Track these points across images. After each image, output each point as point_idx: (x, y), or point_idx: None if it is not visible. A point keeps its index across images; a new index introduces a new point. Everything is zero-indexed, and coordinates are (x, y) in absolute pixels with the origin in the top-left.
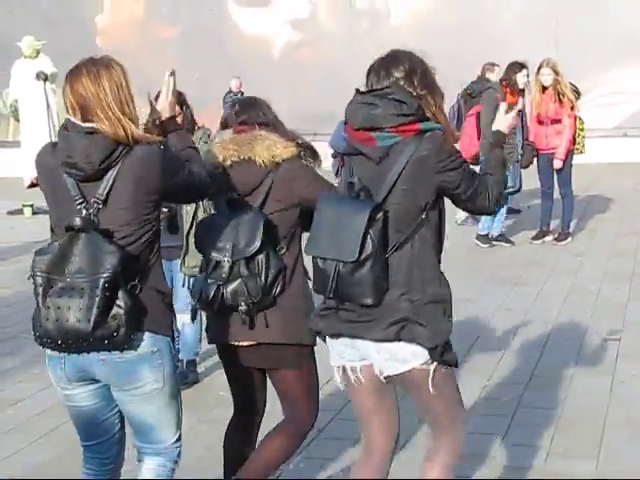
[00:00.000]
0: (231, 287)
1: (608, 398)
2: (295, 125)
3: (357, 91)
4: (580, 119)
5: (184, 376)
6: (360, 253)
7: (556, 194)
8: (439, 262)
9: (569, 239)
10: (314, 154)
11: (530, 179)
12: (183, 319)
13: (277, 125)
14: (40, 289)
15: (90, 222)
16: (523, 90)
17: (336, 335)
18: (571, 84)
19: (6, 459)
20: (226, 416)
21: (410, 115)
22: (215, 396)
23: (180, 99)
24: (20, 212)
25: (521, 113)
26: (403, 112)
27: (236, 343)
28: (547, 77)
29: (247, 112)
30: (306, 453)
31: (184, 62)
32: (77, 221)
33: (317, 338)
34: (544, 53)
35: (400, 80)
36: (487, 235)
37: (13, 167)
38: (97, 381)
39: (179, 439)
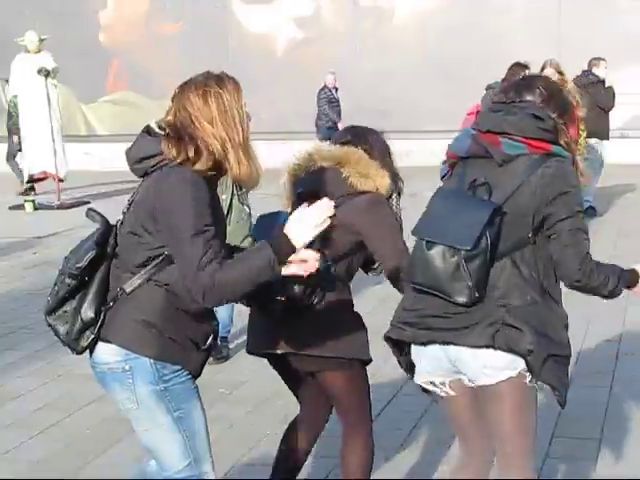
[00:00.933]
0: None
1: (608, 399)
2: (297, 123)
3: (493, 102)
4: (582, 120)
5: (218, 351)
6: (475, 245)
7: None
8: (546, 292)
9: None
10: (399, 194)
11: None
12: None
13: (382, 156)
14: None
15: (99, 217)
16: None
17: (426, 342)
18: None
19: (6, 454)
20: (227, 414)
21: (545, 131)
22: (216, 393)
23: None
24: (21, 207)
25: None
26: (539, 126)
27: (278, 352)
28: (551, 77)
29: (357, 137)
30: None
31: (187, 58)
32: (89, 212)
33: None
34: (547, 53)
35: (538, 101)
36: None
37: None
38: None
39: (189, 469)
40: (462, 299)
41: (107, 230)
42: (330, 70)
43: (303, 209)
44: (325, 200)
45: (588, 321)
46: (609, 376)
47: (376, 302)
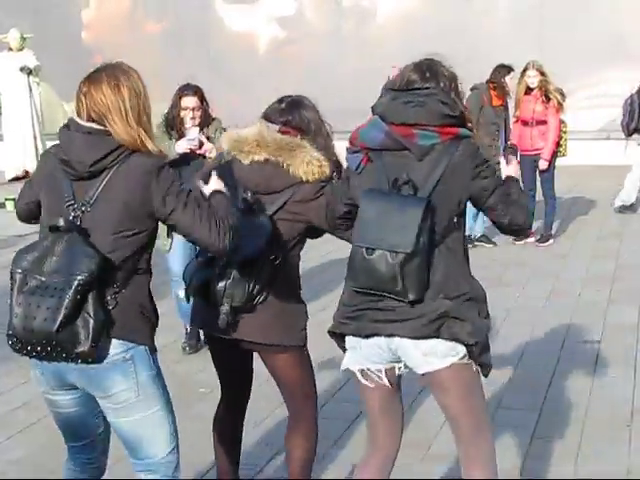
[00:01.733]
0: (220, 284)
1: (588, 400)
2: None
3: (390, 89)
4: (563, 122)
5: (190, 337)
6: (415, 245)
7: (539, 196)
8: (468, 265)
9: (551, 241)
10: (340, 172)
11: None
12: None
13: (317, 134)
14: (15, 286)
15: (72, 224)
16: (508, 92)
17: (371, 335)
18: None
19: None
20: (207, 413)
21: (453, 117)
22: (195, 393)
23: (199, 94)
24: (2, 206)
25: (505, 114)
26: (446, 113)
27: (222, 336)
28: (533, 79)
29: (292, 113)
30: None
31: (169, 58)
32: (60, 221)
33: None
34: (529, 55)
35: (440, 84)
36: (469, 236)
37: None
38: (78, 387)
39: (173, 453)
40: (411, 296)
41: (83, 233)
42: (393, 64)
43: None
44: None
45: (568, 323)
46: (589, 378)
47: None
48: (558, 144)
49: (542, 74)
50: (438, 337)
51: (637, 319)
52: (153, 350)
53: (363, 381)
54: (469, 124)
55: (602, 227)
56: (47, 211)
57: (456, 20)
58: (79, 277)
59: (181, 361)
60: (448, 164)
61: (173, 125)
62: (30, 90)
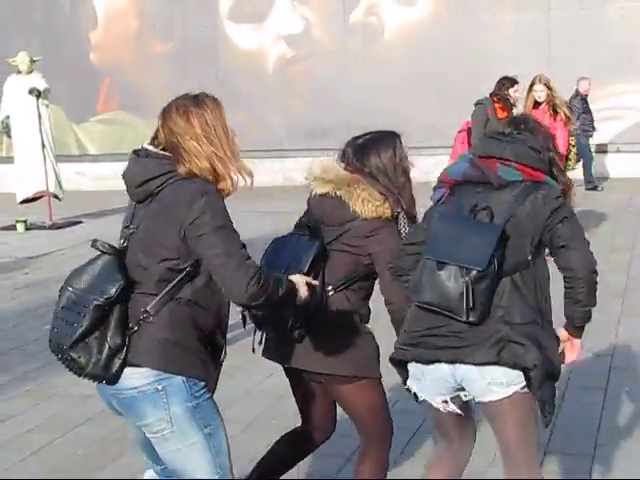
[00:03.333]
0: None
1: (601, 414)
2: (288, 140)
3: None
4: (572, 135)
5: None
6: (487, 265)
7: None
8: (543, 313)
9: None
10: (413, 220)
11: None
12: None
13: (385, 181)
14: (59, 299)
15: (109, 246)
16: (513, 105)
17: (432, 362)
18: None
19: None
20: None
21: (541, 162)
22: None
23: None
24: (13, 228)
25: None
26: (534, 156)
27: (295, 366)
28: (541, 93)
29: (358, 156)
30: None
31: (177, 77)
32: (96, 243)
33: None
34: (537, 68)
35: (537, 137)
36: None
37: (7, 183)
38: None
39: None
40: (473, 318)
41: (120, 257)
42: (583, 76)
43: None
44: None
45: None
46: (601, 391)
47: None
48: (567, 158)
49: (549, 88)
50: (499, 363)
51: None
52: (195, 381)
53: (431, 411)
54: (561, 176)
55: (613, 240)
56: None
57: (462, 34)
58: (99, 298)
59: None
60: (526, 202)
61: None
62: (39, 113)
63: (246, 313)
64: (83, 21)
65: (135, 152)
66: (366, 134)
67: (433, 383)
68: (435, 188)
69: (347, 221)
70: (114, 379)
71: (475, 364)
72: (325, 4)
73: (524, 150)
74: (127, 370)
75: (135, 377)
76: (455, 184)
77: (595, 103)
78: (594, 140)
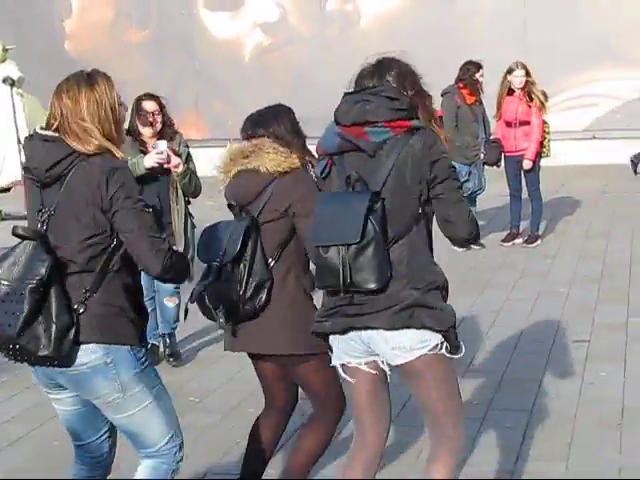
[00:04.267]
0: (211, 290)
1: (577, 400)
2: None
3: (345, 94)
4: (546, 122)
5: (176, 355)
6: (362, 236)
7: (525, 196)
8: (432, 252)
9: (539, 241)
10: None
11: (497, 182)
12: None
13: (287, 138)
14: None
15: (32, 231)
16: (480, 89)
17: (343, 330)
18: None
19: None
20: (197, 422)
21: (402, 110)
22: (186, 402)
23: (158, 100)
24: None
25: (481, 110)
26: (395, 107)
27: (250, 351)
28: (521, 79)
29: (255, 128)
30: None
31: (154, 66)
32: (18, 229)
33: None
34: (513, 56)
35: (392, 82)
36: None
37: None
38: None
39: (174, 439)
40: (371, 286)
41: (44, 239)
42: None
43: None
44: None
45: (557, 323)
46: (578, 378)
47: None
48: (542, 144)
49: (527, 74)
50: (409, 327)
51: (625, 318)
52: (138, 348)
53: (344, 375)
54: (427, 117)
55: (589, 227)
56: (28, 219)
57: (439, 22)
58: (32, 282)
59: (171, 371)
60: (400, 155)
61: (134, 135)
62: (13, 102)
63: (189, 307)
64: (57, 9)
65: (29, 137)
66: (258, 110)
67: (345, 344)
68: (318, 160)
69: (264, 187)
70: (66, 359)
71: (380, 329)
72: None
73: (384, 105)
74: (76, 347)
75: (83, 353)
76: (334, 154)
77: (570, 90)
78: (569, 126)
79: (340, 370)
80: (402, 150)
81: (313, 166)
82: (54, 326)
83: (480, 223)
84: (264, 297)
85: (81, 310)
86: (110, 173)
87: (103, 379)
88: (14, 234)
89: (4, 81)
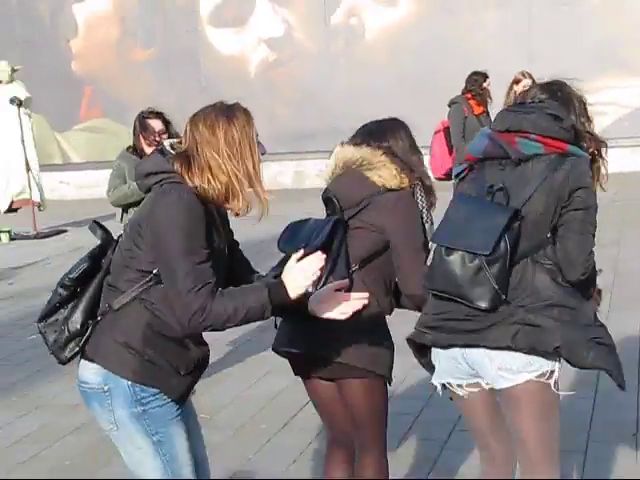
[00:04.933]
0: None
1: (593, 409)
2: (272, 144)
3: (512, 105)
4: None
5: None
6: (494, 249)
7: None
8: (556, 273)
9: None
10: (429, 190)
11: None
12: None
13: (404, 156)
14: None
15: (100, 233)
16: (488, 99)
17: (448, 346)
18: None
19: None
20: (208, 438)
21: (562, 130)
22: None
23: (163, 118)
24: None
25: (489, 121)
26: (556, 126)
27: (299, 351)
28: (527, 87)
29: (371, 139)
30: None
31: (160, 83)
32: (95, 231)
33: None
34: (519, 66)
35: (570, 114)
36: None
37: None
38: None
39: None
40: (484, 304)
41: (106, 244)
42: None
43: (295, 262)
44: (318, 253)
45: None
46: (592, 387)
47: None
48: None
49: (534, 84)
50: (513, 348)
51: (638, 326)
52: (142, 387)
53: (449, 393)
54: (586, 145)
55: (600, 235)
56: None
57: (444, 35)
58: (65, 278)
59: None
60: (548, 178)
61: (138, 154)
62: (21, 122)
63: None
64: (63, 29)
65: (159, 149)
66: (374, 121)
67: (447, 365)
68: (459, 163)
69: (366, 196)
70: (65, 362)
71: (486, 347)
72: (306, 7)
73: (543, 119)
74: (84, 363)
75: (89, 373)
76: (476, 161)
77: None
78: None
79: (440, 389)
80: (551, 173)
81: (427, 189)
82: (65, 328)
83: None
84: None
85: (98, 319)
86: (168, 206)
87: (99, 405)
88: (90, 228)
89: (12, 101)
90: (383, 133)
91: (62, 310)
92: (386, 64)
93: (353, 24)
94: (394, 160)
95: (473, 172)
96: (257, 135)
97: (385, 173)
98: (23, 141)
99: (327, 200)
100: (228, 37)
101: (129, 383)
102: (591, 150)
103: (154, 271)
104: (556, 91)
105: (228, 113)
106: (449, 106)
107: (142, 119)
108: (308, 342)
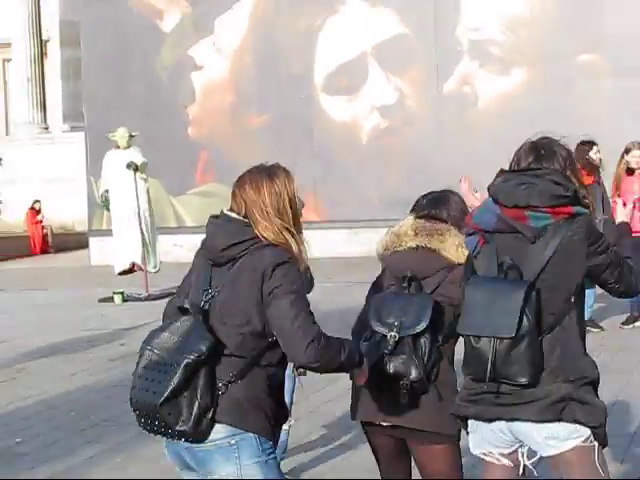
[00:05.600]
0: (396, 361)
1: None
2: (383, 209)
3: (503, 170)
4: None
5: None
6: (517, 329)
7: None
8: (584, 341)
9: None
10: None
11: None
12: None
13: (460, 224)
14: (140, 359)
15: (196, 307)
16: (598, 167)
17: (491, 419)
18: None
19: None
20: None
21: (566, 197)
22: None
23: None
24: (111, 300)
25: (600, 190)
26: (559, 193)
27: (382, 423)
28: (638, 159)
29: (434, 208)
30: None
31: (272, 149)
32: (185, 303)
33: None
34: (634, 134)
35: (555, 163)
36: None
37: (105, 255)
38: None
39: None
40: (523, 380)
41: (205, 317)
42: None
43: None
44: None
45: None
46: None
47: None
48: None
49: None
50: (560, 421)
51: None
52: (265, 439)
53: (491, 460)
54: (586, 200)
55: None
56: (191, 293)
57: (556, 103)
58: (189, 357)
59: None
60: (560, 244)
61: None
62: (137, 186)
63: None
64: (181, 96)
65: (215, 217)
66: (429, 193)
67: (490, 434)
68: (466, 233)
69: (439, 270)
70: (202, 437)
71: (532, 421)
72: (419, 75)
73: (549, 190)
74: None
75: (214, 432)
76: (487, 231)
77: None
78: None
79: (481, 456)
80: (562, 239)
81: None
82: (197, 404)
83: (599, 305)
84: (435, 375)
85: (221, 392)
86: (276, 266)
87: (224, 459)
88: (179, 308)
89: (128, 166)
90: (443, 204)
91: (183, 390)
92: (497, 131)
93: (465, 92)
94: (457, 233)
95: (487, 245)
96: (297, 191)
97: (458, 250)
98: (139, 205)
99: (408, 279)
100: (341, 104)
101: (256, 436)
102: (587, 201)
103: (269, 338)
104: (540, 149)
105: (269, 174)
106: None
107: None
108: (384, 413)
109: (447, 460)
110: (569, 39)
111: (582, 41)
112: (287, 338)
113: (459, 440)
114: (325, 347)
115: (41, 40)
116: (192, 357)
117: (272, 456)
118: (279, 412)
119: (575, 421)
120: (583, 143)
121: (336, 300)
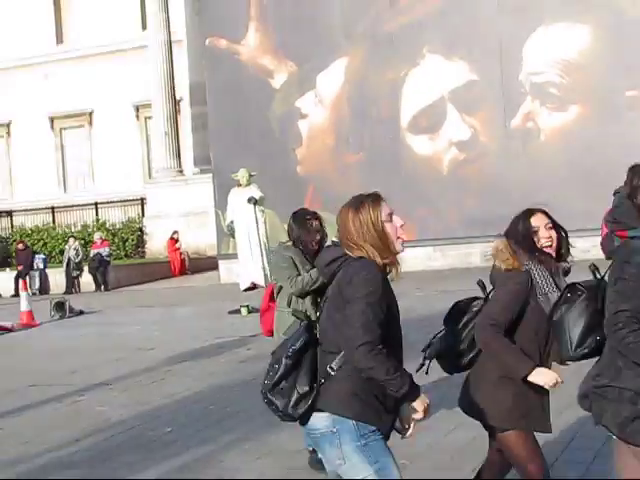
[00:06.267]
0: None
1: None
2: (460, 230)
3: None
4: None
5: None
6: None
7: None
8: None
9: None
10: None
11: None
12: None
13: (516, 244)
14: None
15: (304, 316)
16: None
17: None
18: None
19: None
20: None
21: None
22: None
23: (321, 221)
24: (238, 311)
25: None
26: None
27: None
28: None
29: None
30: None
31: (367, 182)
32: (299, 314)
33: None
34: None
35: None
36: None
37: (233, 274)
38: None
39: None
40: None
41: (310, 322)
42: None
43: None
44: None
45: None
46: None
47: None
48: None
49: None
50: None
51: None
52: (364, 425)
53: None
54: None
55: None
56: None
57: (608, 132)
58: (289, 350)
59: None
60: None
61: (301, 246)
62: (256, 217)
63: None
64: (290, 141)
65: (331, 243)
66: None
67: None
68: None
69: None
70: (302, 419)
71: None
72: (489, 114)
73: (623, 212)
74: (315, 414)
75: (318, 420)
76: None
77: None
78: None
79: None
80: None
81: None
82: (296, 391)
83: None
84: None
85: (322, 381)
86: (356, 274)
87: (329, 445)
88: (295, 315)
89: (249, 201)
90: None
91: (288, 378)
92: (558, 160)
93: (529, 127)
94: (510, 248)
95: None
96: (389, 213)
97: (500, 258)
98: (259, 233)
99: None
100: (424, 141)
101: (354, 422)
102: None
103: None
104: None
105: (357, 203)
106: (614, 195)
107: (306, 219)
108: (467, 404)
109: (511, 449)
110: (616, 78)
111: (628, 78)
112: (348, 332)
113: (522, 430)
114: (375, 356)
115: (174, 100)
116: (290, 351)
117: (373, 439)
118: (381, 399)
119: None
120: (637, 165)
121: (422, 307)
